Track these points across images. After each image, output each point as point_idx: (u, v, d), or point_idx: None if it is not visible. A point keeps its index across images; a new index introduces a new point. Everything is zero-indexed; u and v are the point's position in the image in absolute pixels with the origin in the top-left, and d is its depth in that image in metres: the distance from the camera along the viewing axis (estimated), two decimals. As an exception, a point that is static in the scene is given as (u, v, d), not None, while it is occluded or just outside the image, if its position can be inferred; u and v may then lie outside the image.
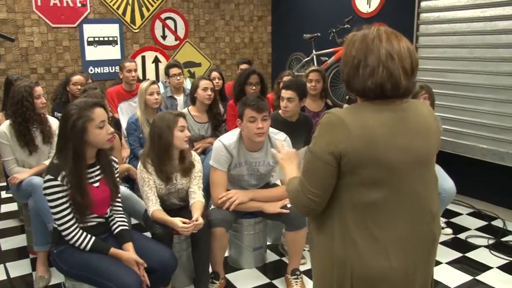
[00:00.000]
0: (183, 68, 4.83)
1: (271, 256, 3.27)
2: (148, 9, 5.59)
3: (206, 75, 4.65)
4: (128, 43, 5.54)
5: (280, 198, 2.78)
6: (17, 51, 4.91)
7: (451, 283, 2.90)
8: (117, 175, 2.40)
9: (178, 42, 5.86)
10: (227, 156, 2.76)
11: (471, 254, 3.29)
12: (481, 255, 3.26)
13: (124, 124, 4.06)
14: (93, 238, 2.22)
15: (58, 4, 5.02)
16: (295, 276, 2.84)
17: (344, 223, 1.39)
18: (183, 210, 2.73)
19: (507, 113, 3.68)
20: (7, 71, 4.81)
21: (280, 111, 3.35)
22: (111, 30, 5.39)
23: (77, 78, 4.13)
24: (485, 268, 3.10)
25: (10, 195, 3.50)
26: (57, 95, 4.22)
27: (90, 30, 5.25)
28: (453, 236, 3.57)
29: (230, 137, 2.81)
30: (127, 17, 5.47)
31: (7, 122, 3.04)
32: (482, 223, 3.83)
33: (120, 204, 2.45)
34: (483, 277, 2.98)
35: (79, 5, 5.13)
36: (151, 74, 5.70)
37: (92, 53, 5.31)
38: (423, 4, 4.25)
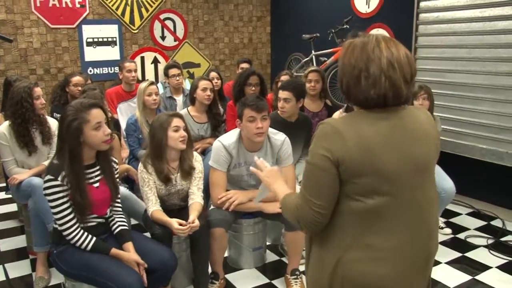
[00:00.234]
0: (182, 69, 4.83)
1: (271, 256, 3.27)
2: (147, 10, 5.59)
3: (205, 76, 4.65)
4: (127, 43, 5.54)
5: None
6: (16, 52, 4.91)
7: (451, 283, 2.91)
8: (117, 175, 2.40)
9: (177, 42, 5.86)
10: (226, 156, 2.76)
11: (470, 254, 3.29)
12: (480, 255, 3.27)
13: (123, 125, 4.06)
14: (94, 238, 2.22)
15: (57, 5, 5.02)
16: (295, 276, 2.84)
17: (340, 229, 1.38)
18: (183, 210, 2.73)
19: (506, 113, 3.69)
20: (6, 72, 4.81)
21: (278, 111, 3.36)
22: (110, 30, 5.40)
23: (76, 79, 4.12)
24: (484, 268, 3.10)
25: (10, 195, 3.50)
26: (55, 97, 4.20)
27: (89, 31, 5.25)
28: (452, 236, 3.58)
29: (229, 138, 2.81)
30: (126, 18, 5.47)
31: (7, 123, 3.04)
32: (481, 223, 3.83)
33: (120, 205, 2.45)
34: (482, 277, 2.98)
35: (78, 6, 5.13)
36: (150, 75, 5.71)
37: (91, 54, 5.31)
38: (422, 4, 4.25)
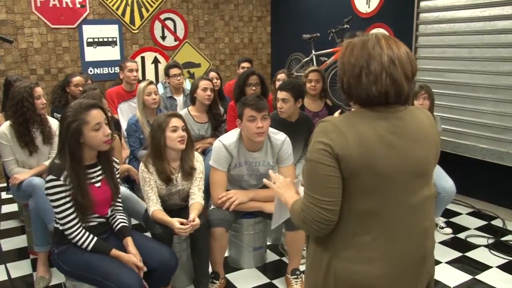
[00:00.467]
0: (183, 69, 4.84)
1: (271, 256, 3.28)
2: (147, 10, 5.59)
3: (204, 76, 4.65)
4: (128, 43, 5.54)
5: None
6: (17, 52, 4.91)
7: (451, 282, 2.91)
8: (118, 175, 2.41)
9: (177, 42, 5.87)
10: (227, 156, 2.77)
11: (470, 254, 3.29)
12: (480, 255, 3.27)
13: (124, 125, 4.06)
14: (95, 238, 2.23)
15: (58, 5, 5.03)
16: (295, 276, 2.84)
17: (335, 228, 1.37)
18: (184, 210, 2.73)
19: (507, 112, 3.69)
20: (7, 72, 4.81)
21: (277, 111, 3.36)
22: (111, 31, 5.40)
23: (77, 79, 4.13)
24: (484, 267, 3.10)
25: (11, 195, 3.50)
26: (55, 98, 4.20)
27: (90, 31, 5.26)
28: (452, 235, 3.58)
29: (230, 137, 2.81)
30: (127, 18, 5.48)
31: (7, 122, 3.04)
32: (481, 222, 3.83)
33: (120, 204, 2.46)
34: (482, 277, 2.98)
35: (78, 6, 5.13)
36: (150, 75, 5.71)
37: (92, 54, 5.31)
38: (422, 4, 4.25)
